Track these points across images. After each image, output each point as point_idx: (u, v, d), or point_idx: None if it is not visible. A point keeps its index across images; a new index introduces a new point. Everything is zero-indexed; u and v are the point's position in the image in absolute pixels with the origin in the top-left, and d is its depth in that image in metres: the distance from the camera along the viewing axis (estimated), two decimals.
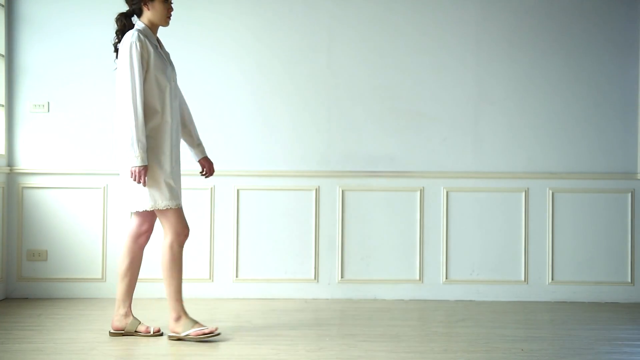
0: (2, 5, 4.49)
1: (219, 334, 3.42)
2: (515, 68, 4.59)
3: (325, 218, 4.55)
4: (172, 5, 3.45)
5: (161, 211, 3.37)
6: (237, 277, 4.53)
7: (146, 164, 3.26)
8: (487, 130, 4.58)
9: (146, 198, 3.34)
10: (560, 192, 4.58)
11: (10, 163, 4.52)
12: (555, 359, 3.17)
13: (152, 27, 3.43)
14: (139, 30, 3.33)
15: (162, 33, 3.53)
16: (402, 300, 4.54)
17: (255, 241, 4.54)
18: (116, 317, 3.49)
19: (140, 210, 3.37)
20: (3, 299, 4.43)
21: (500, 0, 4.60)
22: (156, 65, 3.33)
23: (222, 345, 3.35)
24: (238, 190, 4.54)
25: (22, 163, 4.52)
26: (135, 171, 3.25)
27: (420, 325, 3.85)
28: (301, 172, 4.56)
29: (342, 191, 4.56)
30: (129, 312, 3.49)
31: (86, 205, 4.51)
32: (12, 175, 4.51)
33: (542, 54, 4.59)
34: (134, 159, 3.24)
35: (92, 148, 4.53)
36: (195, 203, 4.51)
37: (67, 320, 3.86)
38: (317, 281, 4.54)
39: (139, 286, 3.64)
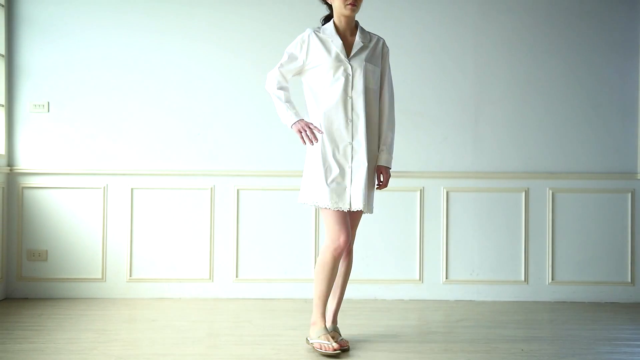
0: (2, 5, 4.49)
1: (337, 352, 3.16)
2: (514, 68, 4.59)
3: None
4: None
5: (321, 210, 3.24)
6: (237, 277, 4.53)
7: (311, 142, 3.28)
8: (487, 130, 4.58)
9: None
10: (560, 192, 4.58)
11: (10, 163, 4.52)
12: (555, 359, 3.18)
13: (343, 19, 3.27)
14: (311, 29, 3.29)
15: None
16: (402, 300, 4.54)
17: (255, 241, 4.54)
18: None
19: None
20: (3, 299, 4.43)
21: (499, 0, 4.60)
22: (322, 58, 3.24)
23: (222, 345, 3.35)
24: (238, 190, 4.54)
25: (22, 163, 4.52)
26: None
27: (420, 325, 3.85)
28: (301, 172, 4.51)
29: None
30: (316, 321, 3.28)
31: (86, 205, 4.51)
32: (12, 175, 4.51)
33: (542, 54, 4.59)
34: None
35: (92, 148, 4.53)
36: (195, 203, 4.52)
37: (67, 320, 3.87)
38: None
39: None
